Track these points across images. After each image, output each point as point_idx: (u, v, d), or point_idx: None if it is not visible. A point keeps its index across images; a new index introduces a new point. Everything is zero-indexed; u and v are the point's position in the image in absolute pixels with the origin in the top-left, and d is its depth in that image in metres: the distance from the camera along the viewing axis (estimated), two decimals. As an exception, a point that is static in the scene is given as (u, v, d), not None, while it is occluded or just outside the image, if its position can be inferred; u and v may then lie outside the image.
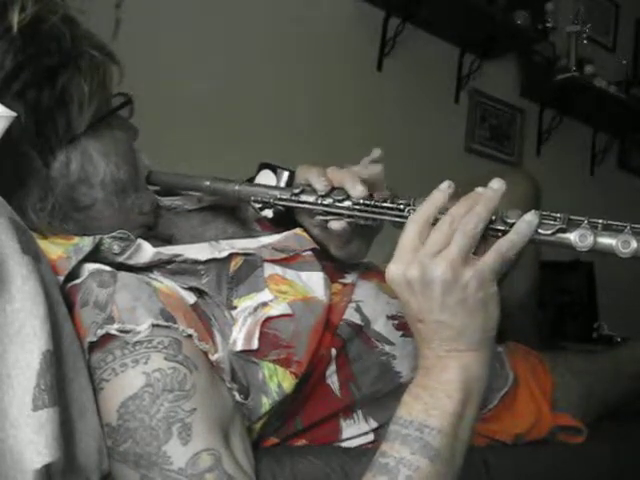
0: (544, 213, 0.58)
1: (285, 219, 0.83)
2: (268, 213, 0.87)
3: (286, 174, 0.86)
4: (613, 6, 3.26)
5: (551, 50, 2.81)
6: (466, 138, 2.70)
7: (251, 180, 0.89)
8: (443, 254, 0.55)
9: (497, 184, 0.58)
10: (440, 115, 2.60)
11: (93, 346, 0.59)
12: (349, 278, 0.82)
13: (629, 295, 2.61)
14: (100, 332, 0.58)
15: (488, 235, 0.58)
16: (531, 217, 0.57)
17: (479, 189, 0.59)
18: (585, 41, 2.85)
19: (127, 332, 0.58)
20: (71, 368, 0.56)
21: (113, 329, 0.58)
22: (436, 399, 0.56)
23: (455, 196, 0.60)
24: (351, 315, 0.78)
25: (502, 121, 2.83)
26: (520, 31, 2.57)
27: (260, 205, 0.77)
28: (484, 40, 2.58)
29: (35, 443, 0.48)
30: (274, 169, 0.88)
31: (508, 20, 2.50)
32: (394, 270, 0.57)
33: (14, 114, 0.58)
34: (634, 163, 3.34)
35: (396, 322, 0.81)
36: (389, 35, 2.41)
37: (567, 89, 2.80)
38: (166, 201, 0.85)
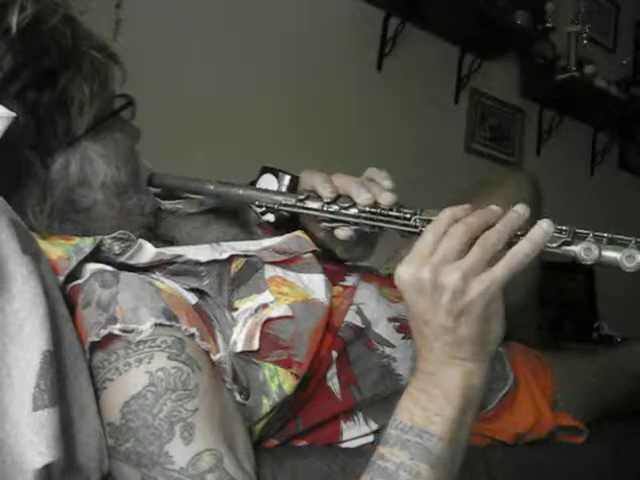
0: None
1: (287, 223, 0.83)
2: (269, 217, 0.87)
3: (287, 178, 0.86)
4: (613, 6, 3.26)
5: (551, 50, 2.81)
6: (466, 138, 2.70)
7: (252, 184, 0.89)
8: (458, 264, 0.54)
9: (522, 209, 0.58)
10: (440, 115, 2.60)
11: (95, 346, 0.59)
12: (350, 281, 0.82)
13: (629, 295, 2.61)
14: (103, 332, 0.58)
15: None
16: (546, 226, 0.57)
17: (493, 207, 0.59)
18: (585, 41, 2.85)
19: (130, 332, 0.58)
20: (72, 368, 0.56)
21: (116, 329, 0.58)
22: (436, 405, 0.56)
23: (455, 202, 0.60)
24: (352, 317, 0.78)
25: (502, 121, 2.83)
26: (520, 31, 2.56)
27: (263, 210, 0.77)
28: (484, 40, 2.57)
29: (35, 443, 0.48)
30: (276, 173, 0.87)
31: (508, 20, 2.49)
32: (405, 271, 0.56)
33: (13, 114, 0.58)
34: (634, 163, 3.34)
35: (397, 325, 0.81)
36: (389, 35, 2.40)
37: (567, 89, 2.79)
38: (168, 204, 0.85)
